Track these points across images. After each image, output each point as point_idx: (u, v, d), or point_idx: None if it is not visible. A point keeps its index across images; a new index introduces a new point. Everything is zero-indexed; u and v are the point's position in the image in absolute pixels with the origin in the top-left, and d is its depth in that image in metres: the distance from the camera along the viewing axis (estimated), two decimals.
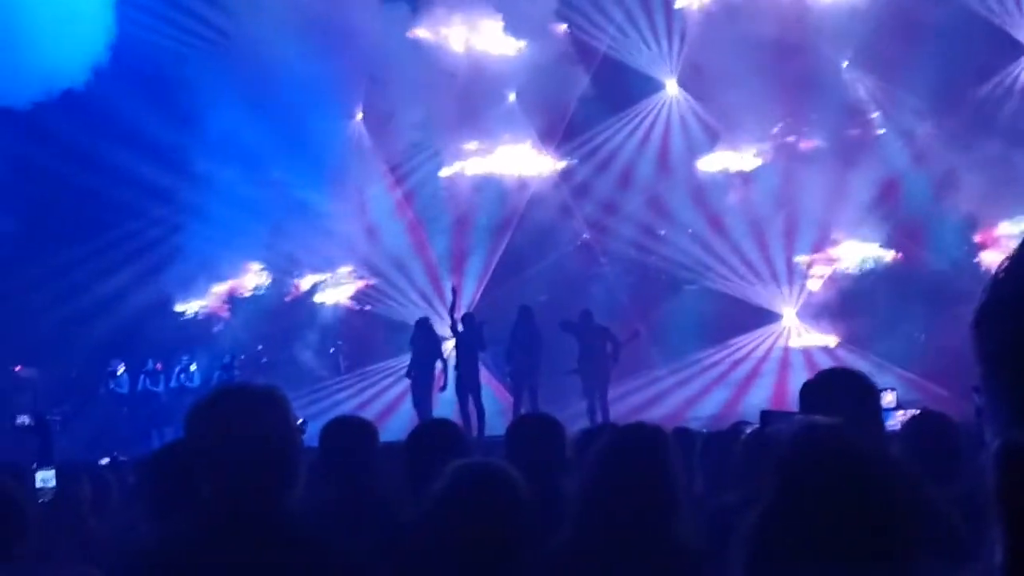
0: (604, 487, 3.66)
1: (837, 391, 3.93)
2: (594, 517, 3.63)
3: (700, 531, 3.78)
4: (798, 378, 20.00)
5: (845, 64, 22.39)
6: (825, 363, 20.66)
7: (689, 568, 3.53)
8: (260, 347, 24.00)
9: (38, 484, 6.16)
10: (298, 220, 23.98)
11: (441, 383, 18.06)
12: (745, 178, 23.02)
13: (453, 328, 17.52)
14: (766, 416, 3.95)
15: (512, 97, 23.92)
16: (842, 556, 2.53)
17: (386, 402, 21.11)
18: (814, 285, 22.31)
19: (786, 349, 22.06)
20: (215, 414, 2.99)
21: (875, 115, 22.56)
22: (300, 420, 3.13)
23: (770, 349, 22.14)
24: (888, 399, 8.32)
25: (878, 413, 4.02)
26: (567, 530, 3.69)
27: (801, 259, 22.42)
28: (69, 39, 19.60)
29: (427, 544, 3.04)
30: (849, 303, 21.73)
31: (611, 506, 3.60)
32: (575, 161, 24.01)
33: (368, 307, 23.98)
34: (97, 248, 22.86)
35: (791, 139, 22.73)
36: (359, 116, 24.17)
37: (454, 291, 18.24)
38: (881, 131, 22.55)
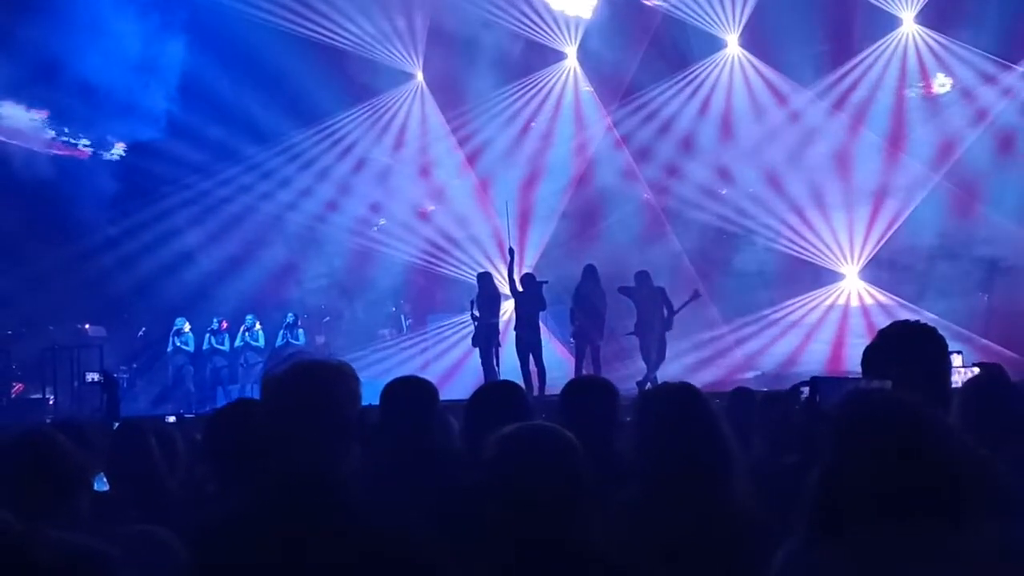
0: (646, 447, 3.80)
1: (907, 348, 3.85)
2: (647, 478, 3.76)
3: (760, 492, 3.79)
4: (857, 337, 19.97)
5: (909, 20, 22.03)
6: (885, 323, 20.44)
7: (739, 528, 3.56)
8: (323, 306, 24.19)
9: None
10: (361, 179, 24.15)
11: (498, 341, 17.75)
12: (807, 137, 22.77)
13: (512, 288, 17.45)
14: (816, 382, 3.92)
15: (573, 55, 23.82)
16: (898, 517, 2.56)
17: (450, 361, 21.21)
18: (875, 245, 22.06)
19: (847, 308, 21.87)
20: (287, 384, 3.13)
21: (938, 73, 22.19)
22: None
23: (830, 308, 21.97)
24: (955, 362, 8.11)
25: (947, 371, 3.92)
26: (629, 487, 3.77)
27: (862, 219, 22.14)
28: None
29: (482, 507, 3.08)
30: (910, 263, 21.46)
31: (657, 465, 3.74)
32: (635, 120, 23.83)
33: (430, 266, 24.03)
34: (166, 208, 23.17)
35: (851, 97, 22.41)
36: (420, 76, 24.17)
37: (512, 252, 18.05)
38: (943, 89, 22.20)
